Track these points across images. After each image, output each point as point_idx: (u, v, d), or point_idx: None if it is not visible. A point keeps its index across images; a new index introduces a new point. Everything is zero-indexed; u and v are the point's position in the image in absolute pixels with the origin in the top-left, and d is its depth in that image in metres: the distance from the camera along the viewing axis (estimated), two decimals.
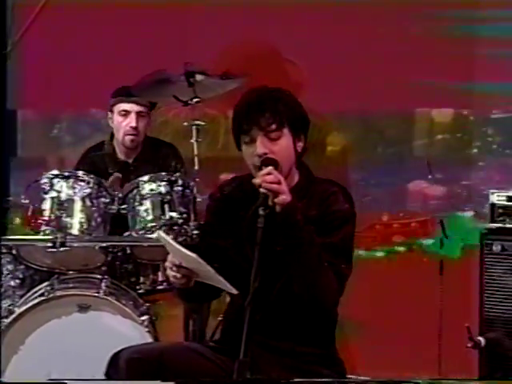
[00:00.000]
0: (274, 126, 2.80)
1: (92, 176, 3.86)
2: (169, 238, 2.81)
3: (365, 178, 4.98)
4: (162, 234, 2.88)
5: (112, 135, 4.30)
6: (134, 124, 4.18)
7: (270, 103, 2.81)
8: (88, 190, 3.82)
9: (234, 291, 2.72)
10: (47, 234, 3.74)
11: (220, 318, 3.20)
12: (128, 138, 4.21)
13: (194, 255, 2.73)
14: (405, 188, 4.98)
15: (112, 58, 4.68)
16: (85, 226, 3.79)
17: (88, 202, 3.81)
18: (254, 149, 2.80)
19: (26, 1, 4.50)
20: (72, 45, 4.78)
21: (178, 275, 2.77)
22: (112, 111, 4.25)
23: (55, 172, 3.82)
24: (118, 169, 4.22)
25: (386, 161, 5.00)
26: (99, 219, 3.82)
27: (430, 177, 4.94)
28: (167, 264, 2.80)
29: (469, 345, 4.23)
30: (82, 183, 3.82)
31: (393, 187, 4.98)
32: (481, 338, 4.22)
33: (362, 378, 4.19)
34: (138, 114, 4.19)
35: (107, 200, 3.86)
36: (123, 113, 4.20)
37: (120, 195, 3.89)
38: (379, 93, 4.81)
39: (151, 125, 4.32)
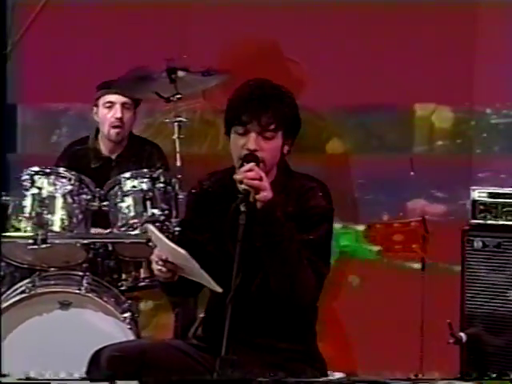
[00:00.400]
0: (272, 126, 2.80)
1: (73, 173, 3.85)
2: (158, 232, 2.81)
3: (364, 179, 4.98)
4: (151, 227, 2.88)
5: (97, 131, 4.30)
6: (119, 115, 4.17)
7: (275, 102, 2.80)
8: (69, 187, 3.81)
9: (219, 289, 2.72)
10: (28, 231, 3.73)
11: (202, 315, 3.19)
12: (113, 130, 4.20)
13: (183, 251, 2.73)
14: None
15: (112, 58, 4.67)
16: (66, 223, 3.78)
17: (69, 199, 3.80)
18: (245, 142, 2.79)
19: (26, 1, 4.49)
20: (72, 45, 4.77)
21: (164, 269, 2.77)
22: (97, 105, 4.24)
23: (36, 168, 3.81)
24: (101, 164, 4.22)
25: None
26: (80, 216, 3.82)
27: (412, 173, 4.96)
28: (153, 258, 2.79)
29: (450, 340, 4.25)
30: (64, 180, 3.82)
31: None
32: (462, 334, 4.25)
33: (356, 377, 4.20)
34: (123, 105, 4.18)
35: (88, 197, 3.86)
36: (108, 104, 4.19)
37: (102, 192, 3.89)
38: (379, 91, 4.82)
39: (136, 120, 4.32)
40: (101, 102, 4.21)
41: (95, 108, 4.25)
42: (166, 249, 2.77)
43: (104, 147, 4.27)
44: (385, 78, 4.80)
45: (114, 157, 4.26)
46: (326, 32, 4.86)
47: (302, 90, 4.88)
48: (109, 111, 4.18)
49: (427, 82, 4.79)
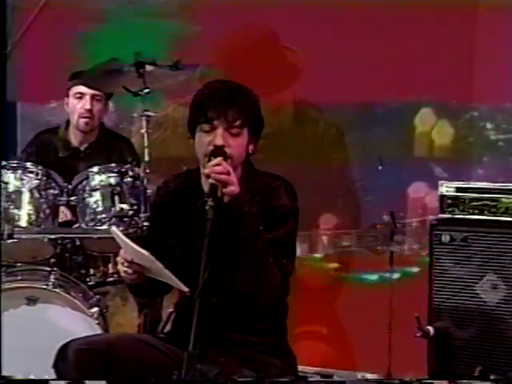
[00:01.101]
0: (238, 122, 2.81)
1: (40, 167, 3.84)
2: (121, 235, 2.82)
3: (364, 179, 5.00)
4: (114, 229, 2.88)
5: (68, 122, 4.29)
6: (88, 106, 4.18)
7: (240, 99, 2.83)
8: (36, 182, 3.80)
9: (185, 289, 2.73)
10: None
11: (171, 310, 3.21)
12: (82, 120, 4.21)
13: (146, 253, 2.74)
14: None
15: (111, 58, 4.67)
16: (33, 218, 3.77)
17: (36, 194, 3.80)
18: (212, 139, 2.80)
19: (26, 1, 4.47)
20: (72, 44, 4.76)
21: (130, 271, 2.78)
22: (68, 95, 4.25)
23: (2, 163, 3.80)
24: (69, 154, 4.22)
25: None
26: (48, 211, 3.82)
27: (380, 167, 5.00)
28: (119, 259, 2.81)
29: (418, 334, 4.29)
30: (31, 174, 3.81)
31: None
32: (430, 328, 4.29)
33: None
34: (93, 97, 4.19)
35: (56, 191, 3.85)
36: (78, 95, 4.21)
37: (69, 187, 3.88)
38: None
39: (107, 112, 4.32)
40: (71, 92, 4.23)
41: (66, 98, 4.26)
42: (130, 250, 2.78)
43: (74, 138, 4.28)
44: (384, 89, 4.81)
45: (82, 148, 4.27)
46: (327, 23, 4.87)
47: (298, 79, 4.95)
48: (79, 102, 4.20)
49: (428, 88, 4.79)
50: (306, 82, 4.91)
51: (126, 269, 2.79)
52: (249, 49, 4.95)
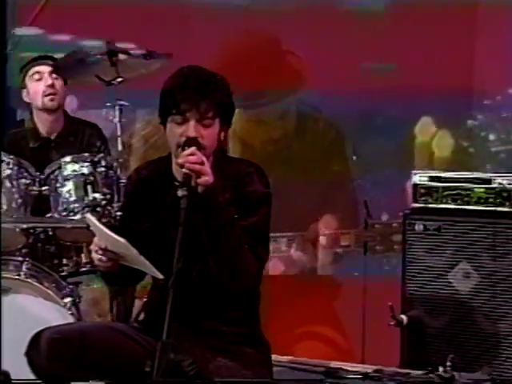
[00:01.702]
0: (210, 114, 2.81)
1: (12, 157, 3.82)
2: (97, 222, 2.82)
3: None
4: (89, 217, 2.89)
5: (31, 113, 4.27)
6: (49, 82, 4.15)
7: (212, 90, 2.82)
8: (8, 171, 3.79)
9: (160, 276, 2.74)
10: None
11: (145, 299, 3.22)
12: (47, 98, 4.17)
13: (122, 240, 2.74)
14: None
15: None
16: (5, 208, 3.76)
17: (8, 184, 3.78)
18: (184, 130, 2.80)
19: (26, 1, 4.43)
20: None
21: (104, 258, 2.78)
22: (25, 85, 4.21)
23: None
24: (40, 144, 4.20)
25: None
26: (20, 200, 3.80)
27: (354, 158, 5.03)
28: (93, 247, 2.80)
29: (391, 323, 4.33)
30: (2, 164, 3.79)
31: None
32: (403, 316, 4.32)
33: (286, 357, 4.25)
34: (51, 74, 4.16)
35: (28, 181, 3.84)
36: (37, 76, 4.18)
37: (42, 176, 3.87)
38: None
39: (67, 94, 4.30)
40: (28, 77, 4.18)
41: (24, 90, 4.22)
42: (105, 238, 2.78)
43: (41, 126, 4.24)
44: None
45: (52, 137, 4.24)
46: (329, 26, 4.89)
47: (302, 84, 4.96)
48: (39, 83, 4.17)
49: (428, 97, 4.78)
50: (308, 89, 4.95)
51: (100, 257, 2.78)
52: (252, 55, 4.97)
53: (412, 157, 5.06)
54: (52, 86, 4.15)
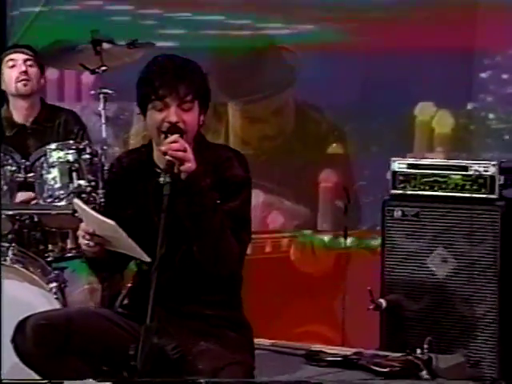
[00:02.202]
0: (189, 97, 2.79)
1: None
2: (84, 206, 2.80)
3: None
4: (77, 201, 2.86)
5: (6, 100, 4.23)
6: (23, 68, 4.14)
7: (189, 73, 2.80)
8: None
9: (147, 259, 2.72)
10: None
11: (129, 285, 3.19)
12: (20, 83, 4.14)
13: (111, 222, 2.72)
14: None
15: None
16: None
17: None
18: (165, 116, 2.77)
19: (26, 1, 4.36)
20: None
21: (91, 243, 2.75)
22: (1, 74, 4.18)
23: None
24: (16, 131, 4.17)
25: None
26: (5, 187, 3.78)
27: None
28: (80, 232, 2.77)
29: (370, 307, 4.33)
30: None
31: None
32: (382, 300, 4.32)
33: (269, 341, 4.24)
34: (25, 61, 4.14)
35: (13, 168, 3.82)
36: (11, 63, 4.16)
37: (27, 163, 3.85)
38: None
39: (45, 81, 4.26)
40: (3, 65, 4.17)
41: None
42: (93, 221, 2.75)
43: (17, 114, 4.21)
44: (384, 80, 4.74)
45: (28, 124, 4.21)
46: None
47: (296, 79, 4.90)
48: (12, 70, 4.15)
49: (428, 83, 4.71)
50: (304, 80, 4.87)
51: (87, 242, 2.75)
52: (246, 49, 4.93)
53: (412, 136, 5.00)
54: (25, 72, 4.13)
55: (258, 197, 4.95)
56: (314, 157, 4.93)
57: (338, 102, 4.85)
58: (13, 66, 4.14)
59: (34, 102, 4.20)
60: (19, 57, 4.14)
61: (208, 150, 2.88)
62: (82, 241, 2.77)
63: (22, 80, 4.13)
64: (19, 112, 4.20)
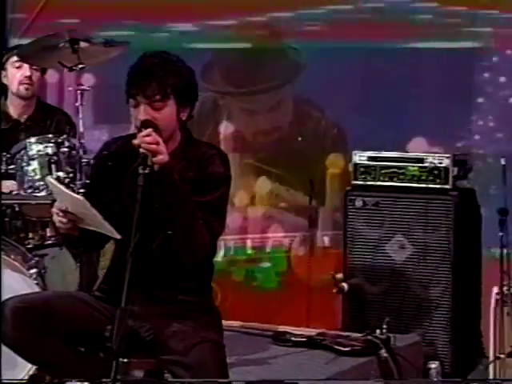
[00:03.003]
0: (158, 97, 2.77)
1: None
2: (56, 183, 2.81)
3: None
4: (49, 179, 2.88)
5: (6, 96, 4.23)
6: (28, 73, 4.14)
7: (158, 73, 2.77)
8: None
9: (117, 236, 2.72)
10: None
11: (105, 270, 3.20)
12: (22, 86, 4.15)
13: (81, 198, 2.74)
14: None
15: None
16: None
17: None
18: (137, 113, 2.78)
19: (27, 1, 4.29)
20: None
21: (64, 220, 2.75)
22: (5, 68, 4.18)
23: None
24: (10, 126, 4.17)
25: None
26: None
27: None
28: (54, 210, 2.77)
29: (334, 290, 4.37)
30: None
31: None
32: (344, 284, 4.36)
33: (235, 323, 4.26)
34: (31, 66, 4.13)
35: None
36: (17, 64, 4.15)
37: (8, 156, 3.84)
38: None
39: (43, 84, 4.27)
40: (9, 63, 4.17)
41: (3, 72, 4.20)
42: (65, 198, 2.76)
43: (13, 109, 4.21)
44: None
45: (22, 120, 4.21)
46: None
47: (299, 73, 4.82)
48: (18, 71, 4.15)
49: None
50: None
51: (60, 218, 2.76)
52: (251, 48, 4.83)
53: None
54: (29, 77, 4.14)
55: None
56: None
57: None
58: (19, 67, 4.13)
59: (31, 101, 4.21)
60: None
61: (193, 146, 2.89)
62: (55, 218, 2.77)
63: (25, 84, 4.13)
64: (16, 108, 4.21)
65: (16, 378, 3.46)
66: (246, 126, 5.04)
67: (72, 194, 2.76)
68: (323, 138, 4.90)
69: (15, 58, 4.14)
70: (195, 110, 2.93)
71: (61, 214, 2.75)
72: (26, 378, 3.49)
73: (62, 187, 2.79)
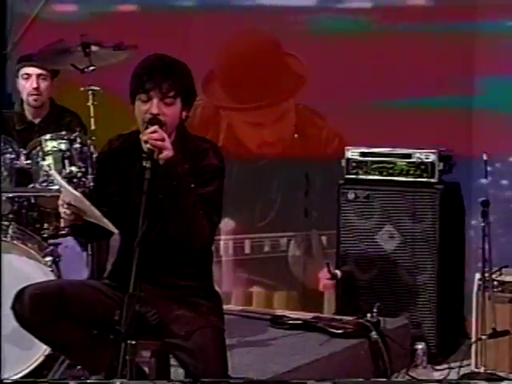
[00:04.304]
0: (171, 93, 2.78)
1: None
2: (59, 177, 2.85)
3: None
4: (53, 172, 2.89)
5: (22, 100, 4.22)
6: (34, 85, 4.10)
7: (174, 72, 2.80)
8: None
9: (113, 229, 2.74)
10: None
11: (114, 258, 3.18)
12: (31, 97, 4.13)
13: (77, 194, 2.75)
14: None
15: None
16: None
17: None
18: (149, 107, 2.77)
19: (26, 1, 4.24)
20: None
21: (68, 212, 2.76)
22: (17, 76, 4.17)
23: None
24: (25, 127, 4.15)
25: None
26: (5, 173, 3.75)
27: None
28: (59, 202, 2.79)
29: (327, 277, 4.36)
30: None
31: None
32: (337, 271, 4.35)
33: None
34: (39, 76, 4.10)
35: (13, 156, 3.79)
36: (25, 76, 4.12)
37: (25, 152, 3.83)
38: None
39: (55, 88, 4.23)
40: (20, 74, 4.15)
41: (16, 79, 4.18)
42: (66, 192, 2.77)
43: (28, 113, 4.20)
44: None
45: (36, 122, 4.19)
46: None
47: (302, 85, 4.70)
48: (26, 82, 4.12)
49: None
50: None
51: (64, 210, 2.77)
52: (252, 57, 4.69)
53: None
54: (37, 88, 4.10)
55: None
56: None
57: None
58: (27, 79, 4.10)
59: (44, 105, 4.18)
60: (33, 71, 4.08)
61: (188, 140, 2.88)
62: (61, 209, 2.79)
63: (33, 95, 4.10)
64: (29, 112, 4.19)
65: (33, 357, 3.44)
66: (247, 138, 4.90)
67: (71, 189, 2.77)
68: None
69: (24, 71, 4.10)
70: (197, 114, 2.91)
71: (65, 205, 2.77)
72: (42, 358, 3.47)
73: (63, 182, 2.80)
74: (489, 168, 3.96)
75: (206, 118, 4.85)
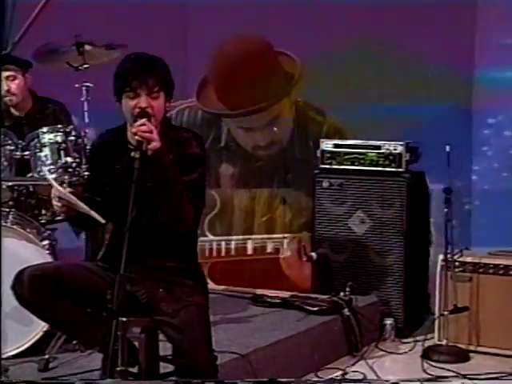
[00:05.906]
0: (156, 88, 2.77)
1: None
2: (49, 177, 2.93)
3: None
4: (45, 170, 2.84)
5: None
6: (5, 88, 4.04)
7: (156, 69, 2.80)
8: None
9: (102, 220, 2.75)
10: None
11: (106, 242, 3.18)
12: (6, 99, 4.06)
13: (63, 190, 2.78)
14: None
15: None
16: None
17: None
18: (137, 102, 2.76)
19: (26, 1, 4.16)
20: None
21: (59, 204, 2.78)
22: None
23: None
24: (14, 122, 4.11)
25: None
26: (5, 163, 3.72)
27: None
28: (52, 195, 2.82)
29: (304, 259, 4.37)
30: None
31: None
32: (313, 254, 4.36)
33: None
34: (7, 78, 4.03)
35: (12, 147, 3.76)
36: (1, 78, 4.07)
37: (23, 143, 3.80)
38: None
39: (29, 83, 4.10)
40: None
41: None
42: (55, 188, 2.80)
43: (12, 109, 4.13)
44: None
45: (23, 115, 4.14)
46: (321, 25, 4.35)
47: (295, 83, 4.61)
48: (3, 84, 4.05)
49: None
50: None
51: (56, 203, 2.80)
52: (244, 56, 4.57)
53: None
54: (8, 90, 4.03)
55: None
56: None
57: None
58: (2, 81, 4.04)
59: (24, 100, 4.11)
60: (3, 74, 4.00)
61: (172, 131, 2.86)
62: (53, 202, 2.81)
63: (6, 97, 4.04)
64: (15, 108, 4.13)
65: (32, 333, 3.42)
66: (242, 141, 4.82)
67: (59, 187, 2.81)
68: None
69: (5, 74, 4.02)
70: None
71: (56, 199, 2.78)
72: (41, 333, 3.46)
73: (52, 180, 2.84)
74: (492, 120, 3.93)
75: (200, 121, 4.80)
